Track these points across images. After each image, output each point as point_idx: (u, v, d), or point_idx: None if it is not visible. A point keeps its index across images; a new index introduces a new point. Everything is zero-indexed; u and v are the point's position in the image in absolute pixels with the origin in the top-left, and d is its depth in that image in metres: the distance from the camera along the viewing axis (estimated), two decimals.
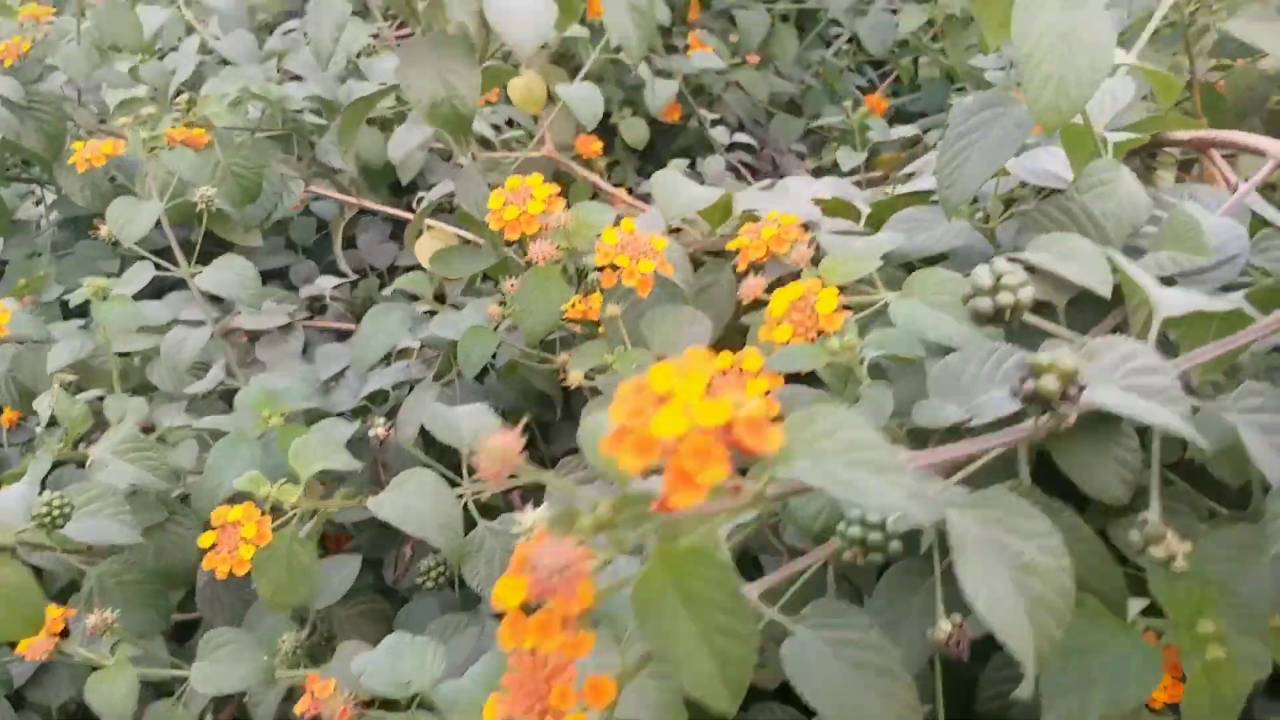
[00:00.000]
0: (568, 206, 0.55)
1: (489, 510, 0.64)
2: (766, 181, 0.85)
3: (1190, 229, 0.45)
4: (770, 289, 0.53)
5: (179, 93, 1.20)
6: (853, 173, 1.08)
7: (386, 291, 0.75)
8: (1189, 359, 0.34)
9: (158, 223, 0.78)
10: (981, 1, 0.53)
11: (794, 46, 1.24)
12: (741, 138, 1.17)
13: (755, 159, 1.26)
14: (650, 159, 1.38)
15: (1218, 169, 0.59)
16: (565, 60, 1.23)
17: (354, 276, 1.03)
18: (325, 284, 1.00)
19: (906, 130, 1.01)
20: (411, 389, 0.82)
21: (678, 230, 0.72)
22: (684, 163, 1.06)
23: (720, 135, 1.14)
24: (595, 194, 1.15)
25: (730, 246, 0.53)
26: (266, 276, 1.24)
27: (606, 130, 1.25)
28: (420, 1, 0.63)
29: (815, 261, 0.51)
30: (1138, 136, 0.55)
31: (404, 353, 0.87)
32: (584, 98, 0.73)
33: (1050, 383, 0.27)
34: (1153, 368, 0.33)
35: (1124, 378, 0.32)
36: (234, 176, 0.93)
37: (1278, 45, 0.68)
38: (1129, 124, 0.63)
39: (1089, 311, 0.48)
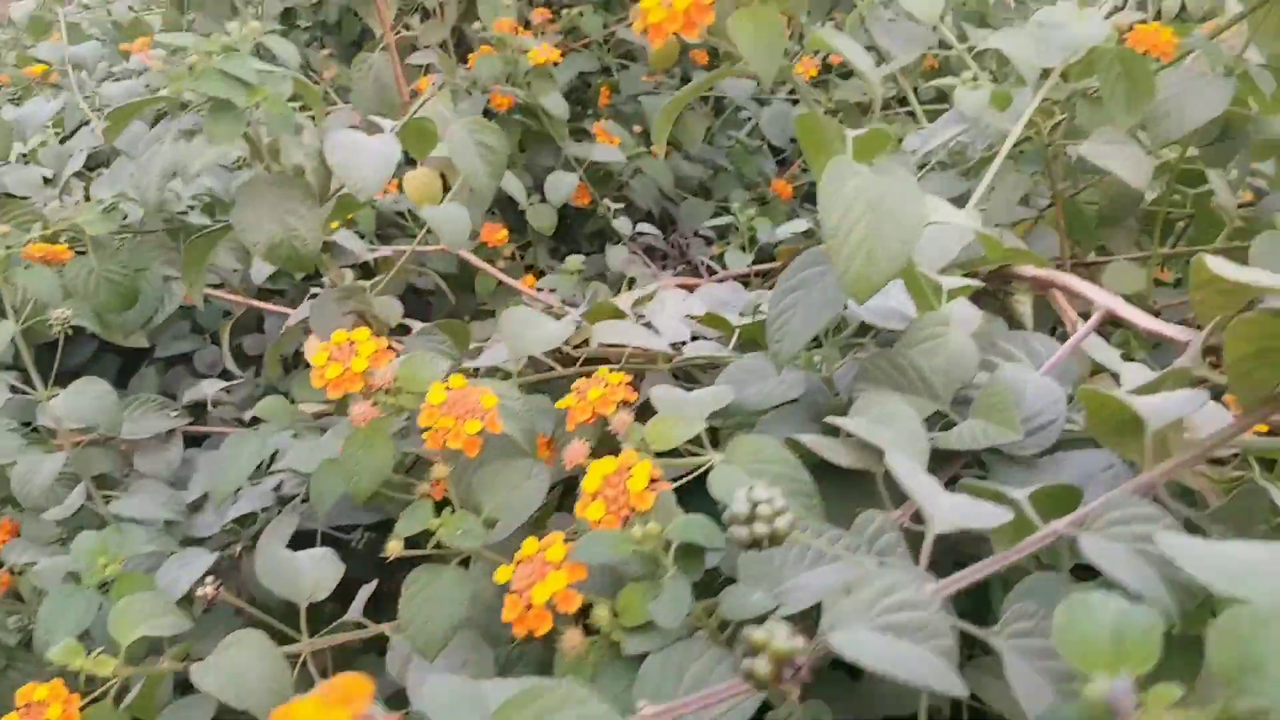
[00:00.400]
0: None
1: (339, 659, 0.62)
2: (647, 289, 0.84)
3: (1003, 401, 0.45)
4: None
5: (80, 174, 1.18)
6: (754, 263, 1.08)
7: (246, 416, 0.72)
8: (953, 582, 0.33)
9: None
10: (810, 150, 0.53)
11: (701, 132, 1.25)
12: (645, 227, 1.17)
13: (665, 242, 1.26)
14: (565, 240, 1.37)
15: (1059, 307, 0.59)
16: None
17: (240, 378, 1.00)
18: (209, 388, 0.97)
19: (799, 225, 1.01)
20: (282, 509, 0.80)
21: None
22: (579, 259, 1.05)
23: (623, 226, 1.14)
24: (499, 284, 1.14)
25: (560, 405, 0.51)
26: (170, 362, 1.22)
27: (517, 214, 1.24)
28: (264, 138, 0.62)
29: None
30: (974, 284, 0.55)
31: None
32: (450, 217, 0.71)
33: (761, 666, 0.26)
34: (913, 602, 0.31)
35: (880, 614, 0.31)
36: (108, 283, 0.90)
37: (1127, 169, 0.69)
38: (978, 258, 0.63)
39: None
